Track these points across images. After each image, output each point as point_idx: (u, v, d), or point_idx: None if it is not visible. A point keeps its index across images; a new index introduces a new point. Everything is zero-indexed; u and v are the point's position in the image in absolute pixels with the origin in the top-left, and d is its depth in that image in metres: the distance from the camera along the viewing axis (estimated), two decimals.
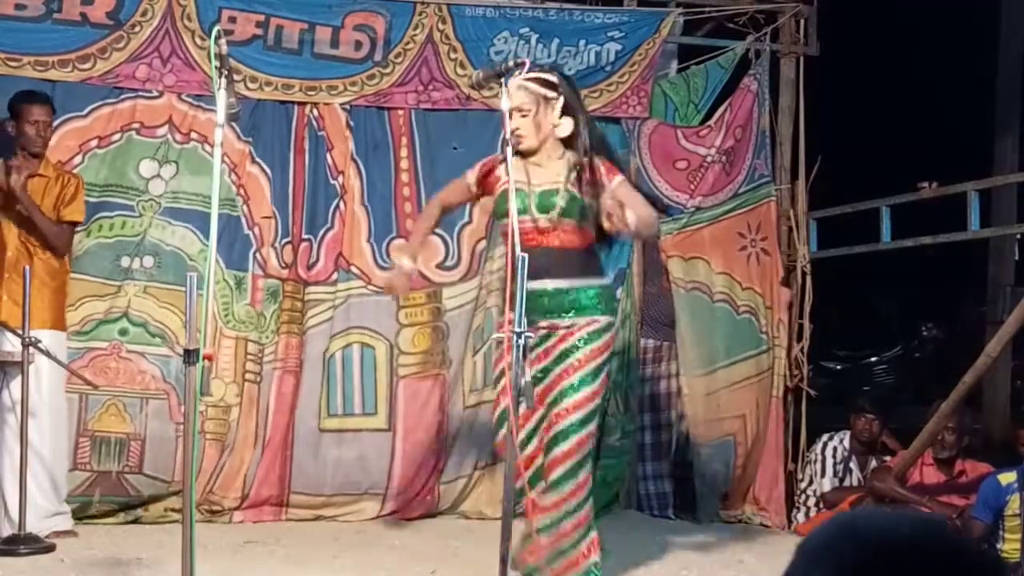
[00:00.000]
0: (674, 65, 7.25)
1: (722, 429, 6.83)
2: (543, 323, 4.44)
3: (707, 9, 7.09)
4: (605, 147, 4.69)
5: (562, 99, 4.50)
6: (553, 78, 4.56)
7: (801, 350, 7.06)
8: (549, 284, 4.43)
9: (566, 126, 4.51)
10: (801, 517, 6.71)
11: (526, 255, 3.94)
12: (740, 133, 6.95)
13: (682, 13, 7.01)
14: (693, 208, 6.88)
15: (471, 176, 4.67)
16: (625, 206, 4.16)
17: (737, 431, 6.85)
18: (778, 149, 7.08)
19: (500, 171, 4.56)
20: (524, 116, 4.45)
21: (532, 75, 4.51)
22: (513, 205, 4.13)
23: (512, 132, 4.36)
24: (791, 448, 6.99)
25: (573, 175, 4.49)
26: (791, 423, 7.03)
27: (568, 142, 4.55)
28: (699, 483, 6.75)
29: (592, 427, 4.49)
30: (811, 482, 6.72)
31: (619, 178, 4.52)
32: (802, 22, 7.17)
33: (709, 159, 6.89)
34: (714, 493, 6.79)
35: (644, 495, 6.84)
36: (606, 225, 4.27)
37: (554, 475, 4.42)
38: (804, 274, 7.08)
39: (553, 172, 4.50)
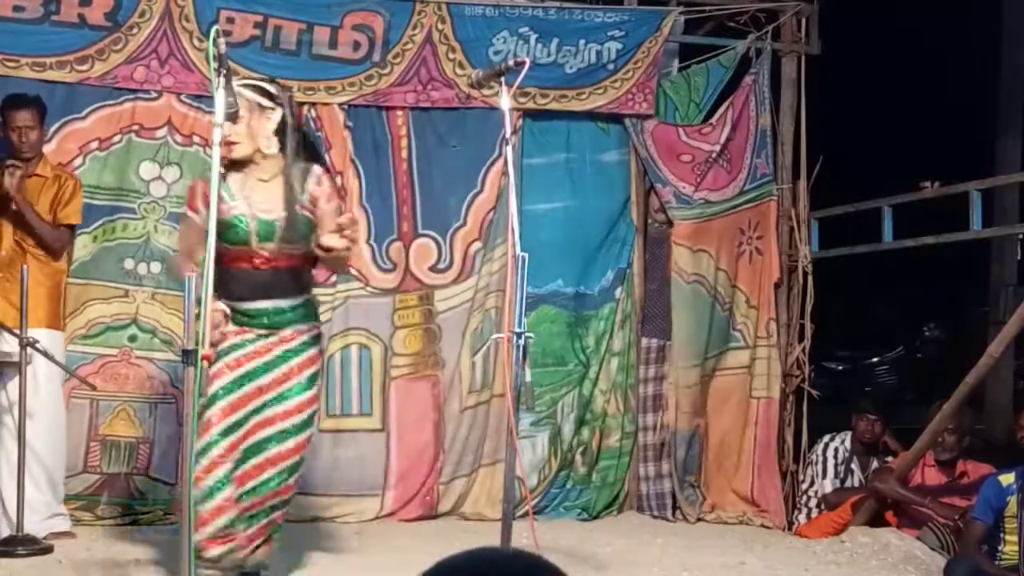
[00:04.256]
0: (675, 64, 7.23)
1: (692, 422, 6.86)
2: (257, 332, 4.51)
3: (708, 8, 7.07)
4: (322, 160, 4.86)
5: (279, 113, 4.50)
6: (273, 89, 4.57)
7: (803, 351, 7.03)
8: (270, 304, 4.51)
9: (274, 144, 4.49)
10: (802, 518, 6.68)
11: (526, 255, 3.93)
12: (741, 131, 6.94)
13: (683, 12, 6.98)
14: (701, 200, 6.87)
15: (197, 217, 4.53)
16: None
17: (702, 424, 6.89)
18: (779, 148, 7.05)
19: (223, 192, 4.47)
20: (241, 117, 4.36)
21: (249, 82, 4.60)
22: (513, 200, 4.10)
23: (223, 139, 4.36)
24: (792, 449, 6.97)
25: (297, 195, 4.49)
26: (793, 424, 7.00)
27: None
28: (673, 478, 6.79)
29: (310, 432, 4.62)
30: (812, 483, 6.70)
31: (335, 202, 4.67)
32: (803, 21, 7.13)
33: (713, 155, 6.89)
34: (690, 489, 6.81)
35: (644, 496, 6.82)
36: (326, 244, 4.40)
37: (274, 470, 4.49)
38: (806, 274, 7.05)
39: (276, 194, 4.49)
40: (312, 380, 4.59)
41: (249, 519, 4.49)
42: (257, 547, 4.55)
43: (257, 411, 4.49)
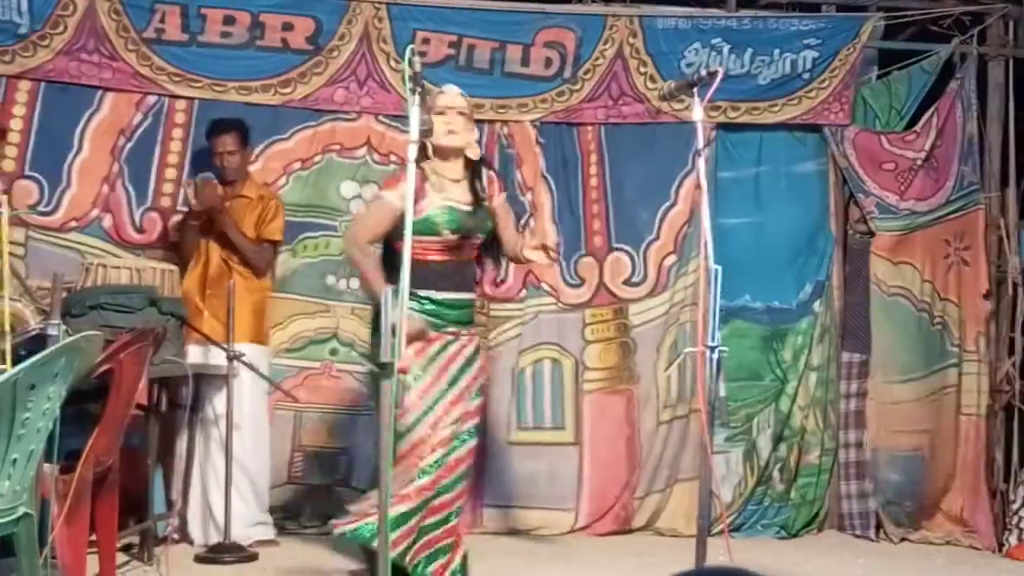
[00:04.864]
0: (875, 71, 7.05)
1: (907, 442, 6.68)
2: (452, 330, 4.70)
3: (909, 12, 6.87)
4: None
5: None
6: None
7: (1012, 365, 6.77)
8: (455, 296, 4.69)
9: (474, 151, 4.80)
10: (1013, 540, 6.40)
11: (720, 268, 3.91)
12: (947, 139, 6.73)
13: (883, 17, 6.81)
14: (906, 211, 6.71)
15: (393, 197, 4.60)
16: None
17: (924, 446, 6.68)
18: (986, 156, 6.81)
19: (425, 186, 4.64)
20: (463, 115, 4.74)
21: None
22: (706, 213, 4.07)
23: (448, 129, 4.66)
24: (1003, 467, 6.70)
25: (481, 191, 4.76)
26: (1003, 441, 6.73)
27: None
28: (879, 497, 6.61)
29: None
30: None
31: (504, 195, 4.93)
32: (1011, 23, 6.89)
33: (917, 163, 6.71)
34: (897, 508, 6.63)
35: (846, 514, 6.66)
36: (528, 257, 4.72)
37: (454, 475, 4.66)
38: (1015, 285, 6.80)
39: (464, 190, 4.74)
40: (481, 390, 4.87)
41: (433, 525, 4.64)
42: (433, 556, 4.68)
43: (457, 419, 4.68)
